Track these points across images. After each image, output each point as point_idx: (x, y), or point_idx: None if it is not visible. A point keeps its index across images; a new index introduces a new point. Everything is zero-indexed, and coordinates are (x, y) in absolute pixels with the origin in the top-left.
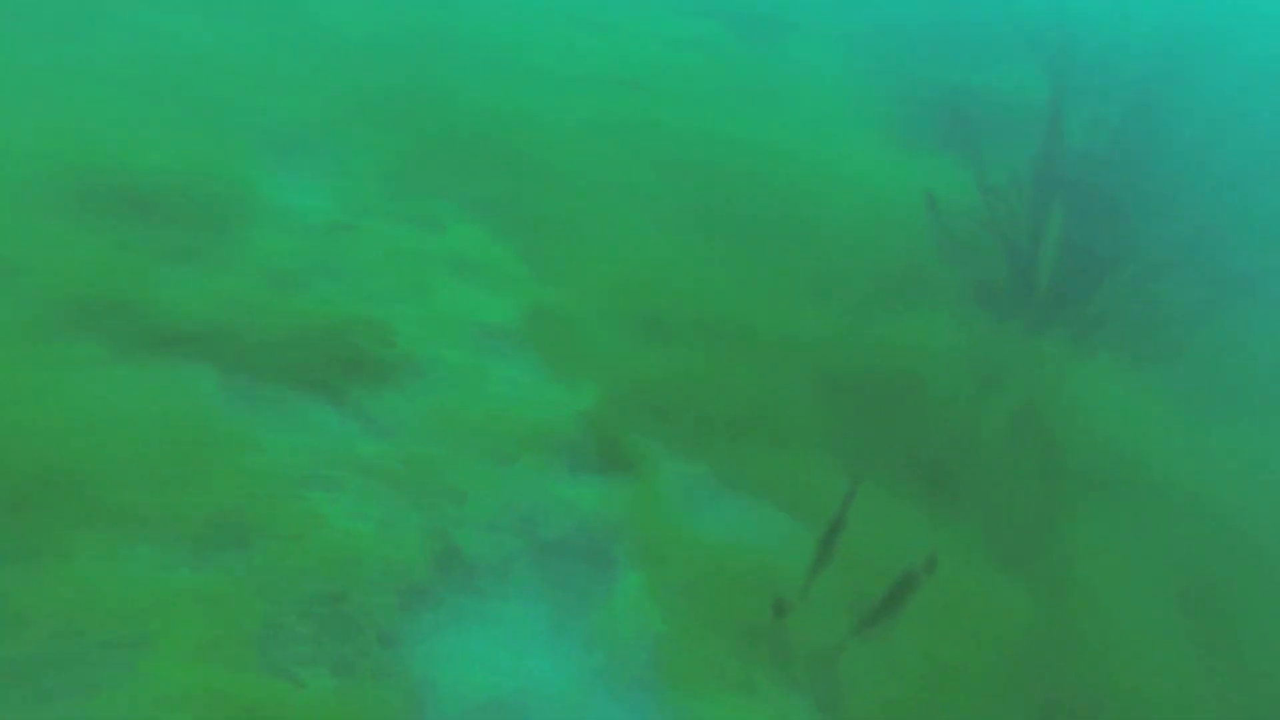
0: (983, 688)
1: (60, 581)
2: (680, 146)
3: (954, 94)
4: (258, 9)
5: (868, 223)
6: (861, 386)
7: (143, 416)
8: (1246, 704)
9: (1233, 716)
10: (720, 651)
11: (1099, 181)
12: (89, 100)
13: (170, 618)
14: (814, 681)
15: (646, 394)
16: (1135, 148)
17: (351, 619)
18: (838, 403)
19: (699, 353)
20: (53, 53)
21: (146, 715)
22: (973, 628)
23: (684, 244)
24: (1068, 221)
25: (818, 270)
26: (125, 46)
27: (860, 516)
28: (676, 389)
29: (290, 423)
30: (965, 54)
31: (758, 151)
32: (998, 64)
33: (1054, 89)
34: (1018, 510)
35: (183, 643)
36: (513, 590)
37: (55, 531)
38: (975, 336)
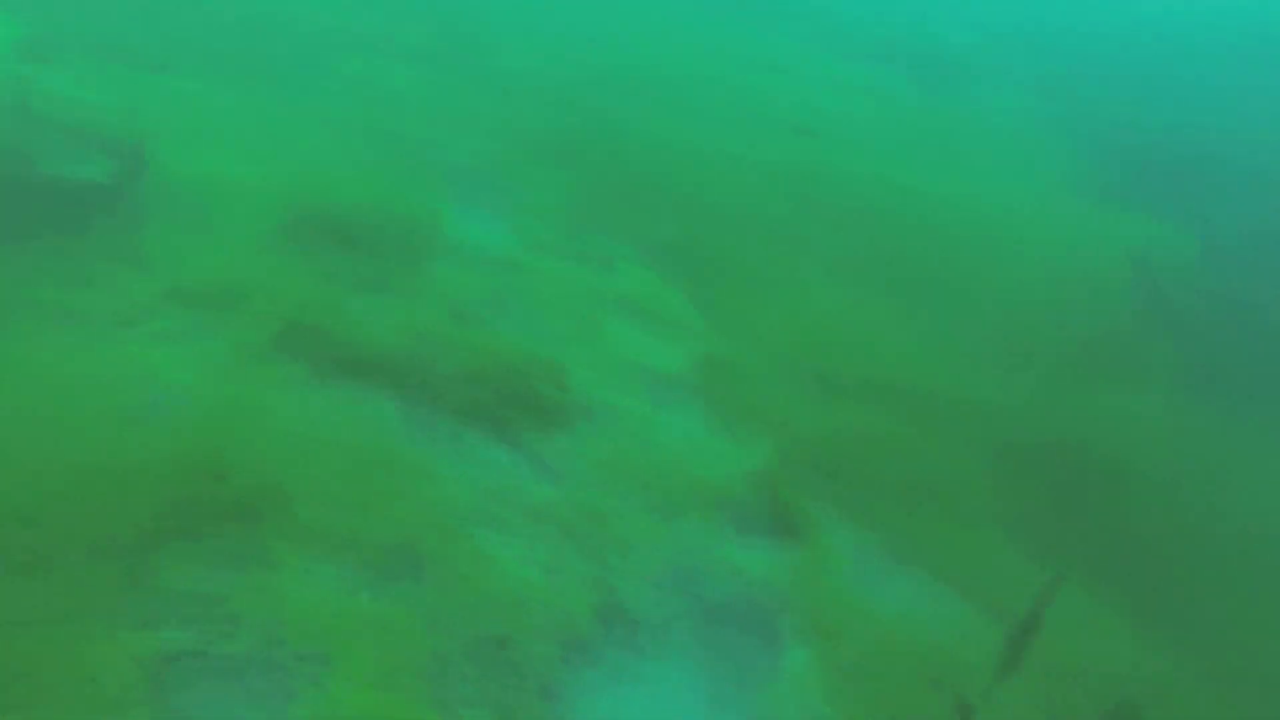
0: None
1: (266, 591)
2: (857, 196)
3: (1169, 142)
4: (450, 57)
5: (1060, 283)
6: (1051, 466)
7: (334, 440)
8: None
9: None
10: None
11: None
12: (305, 142)
13: (351, 640)
14: None
15: (819, 455)
16: None
17: (515, 665)
18: (1024, 481)
19: (874, 415)
20: (276, 99)
21: None
22: None
23: (859, 298)
24: None
25: (1003, 332)
26: (337, 92)
27: (1052, 614)
28: (850, 452)
29: (465, 457)
30: (1187, 97)
31: (938, 203)
32: (1227, 107)
33: None
34: (1248, 638)
35: (362, 666)
36: (673, 653)
37: (263, 543)
38: (1194, 421)
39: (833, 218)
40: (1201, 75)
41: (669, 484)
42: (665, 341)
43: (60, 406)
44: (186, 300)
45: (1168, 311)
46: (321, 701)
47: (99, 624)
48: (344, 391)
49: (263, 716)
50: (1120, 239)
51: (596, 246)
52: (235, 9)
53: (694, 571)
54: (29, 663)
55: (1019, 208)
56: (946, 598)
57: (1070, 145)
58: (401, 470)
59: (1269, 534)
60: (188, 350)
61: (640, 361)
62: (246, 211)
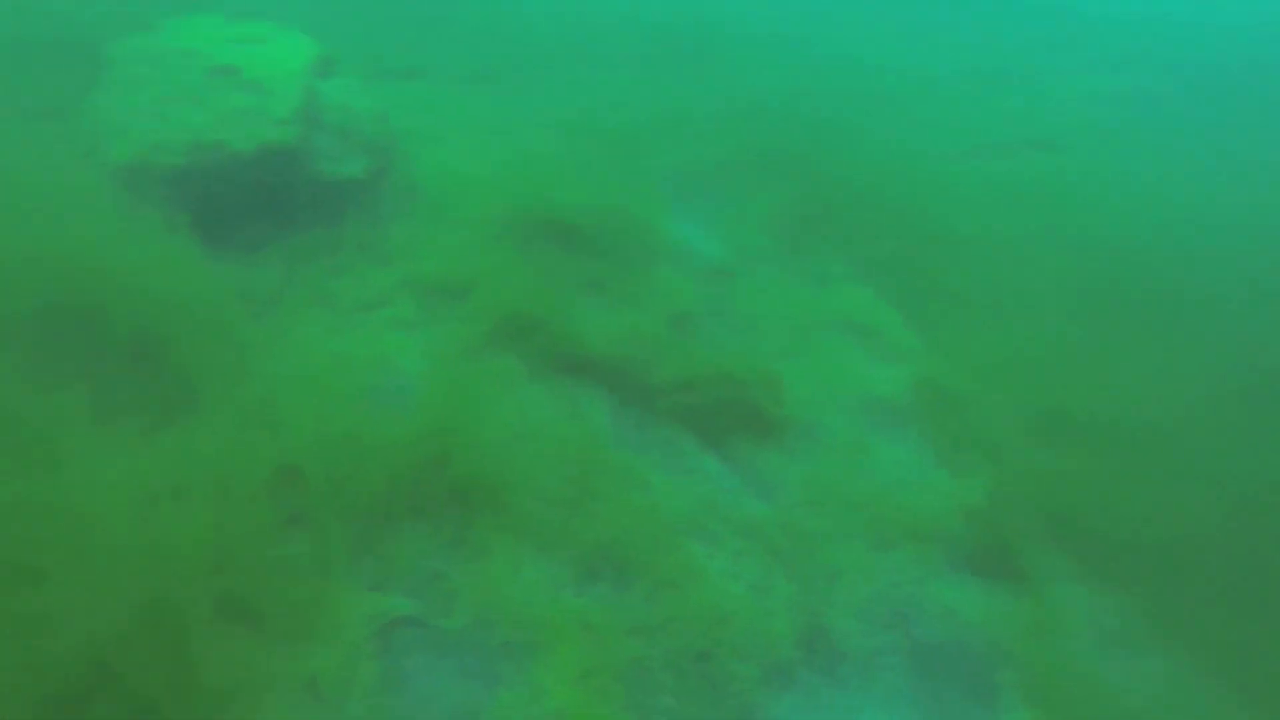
0: None
1: (481, 575)
2: (1103, 217)
3: None
4: (674, 63)
5: None
6: None
7: (548, 436)
8: None
9: None
10: None
11: None
12: (534, 144)
13: (555, 635)
14: None
15: (1047, 498)
16: None
17: (714, 682)
18: None
19: (1112, 459)
20: (509, 104)
21: None
22: None
23: (1101, 330)
24: None
25: (1276, 378)
26: (565, 97)
27: None
28: (1084, 498)
29: (675, 465)
30: None
31: (1203, 229)
32: None
33: None
34: None
35: (564, 662)
36: (879, 690)
37: (479, 529)
38: None
39: (1073, 240)
40: None
41: (881, 512)
42: (883, 363)
43: (317, 379)
44: (420, 291)
45: None
46: (525, 690)
47: (342, 579)
48: (560, 390)
49: (472, 694)
50: None
51: (816, 260)
52: (476, 22)
53: (904, 607)
54: (295, 603)
55: None
56: (1211, 688)
57: None
58: (613, 472)
59: None
60: (419, 338)
61: (857, 383)
62: (478, 209)
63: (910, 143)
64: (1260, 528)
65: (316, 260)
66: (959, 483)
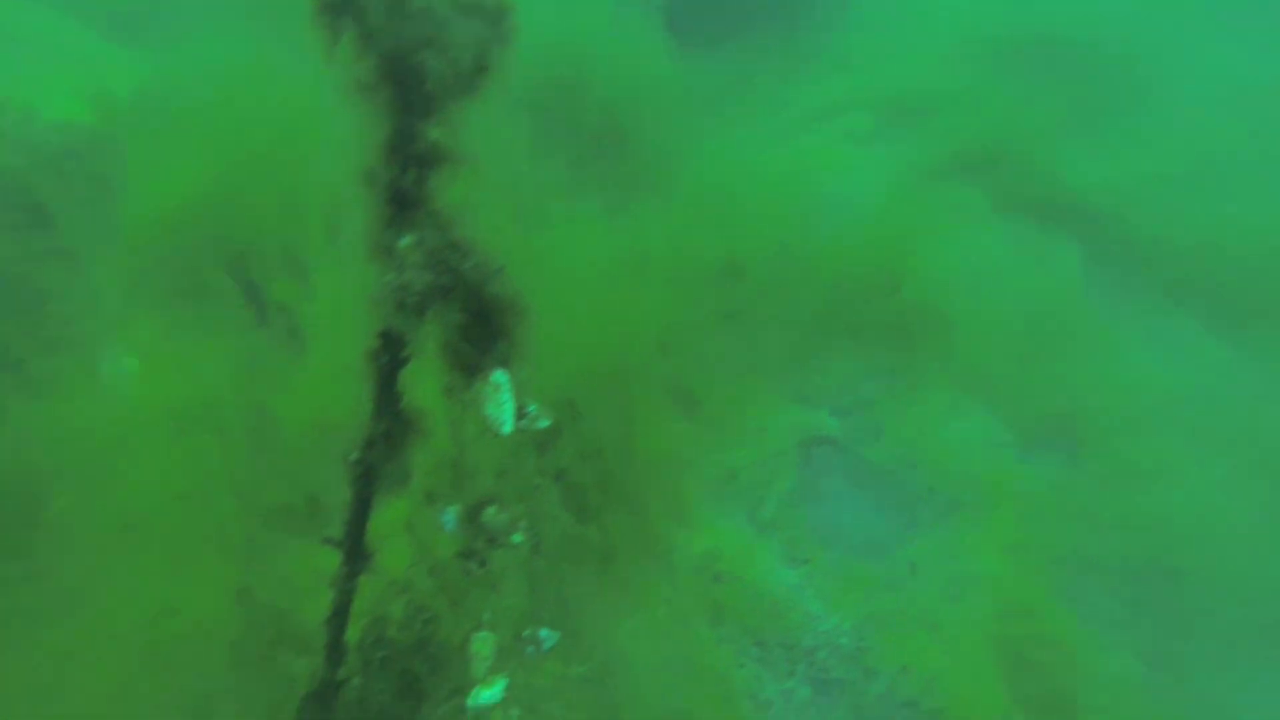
0: None
1: (915, 413)
2: None
3: None
4: None
5: None
6: None
7: (1009, 281)
8: None
9: None
10: None
11: None
12: None
13: (987, 496)
14: None
15: None
16: None
17: (1183, 612)
18: None
19: None
20: None
21: (947, 584)
22: None
23: None
24: None
25: None
26: None
27: None
28: None
29: (1164, 341)
30: None
31: None
32: None
33: None
34: None
35: (992, 526)
36: None
37: (919, 365)
38: None
39: None
40: None
41: None
42: None
43: (767, 181)
44: (877, 104)
45: None
46: (943, 543)
47: (772, 385)
48: (1028, 231)
49: (885, 532)
50: None
51: None
52: None
53: None
54: (726, 397)
55: None
56: None
57: None
58: (1081, 334)
59: None
60: (874, 154)
61: None
62: (948, 21)
63: None
64: None
65: (772, 62)
66: None
